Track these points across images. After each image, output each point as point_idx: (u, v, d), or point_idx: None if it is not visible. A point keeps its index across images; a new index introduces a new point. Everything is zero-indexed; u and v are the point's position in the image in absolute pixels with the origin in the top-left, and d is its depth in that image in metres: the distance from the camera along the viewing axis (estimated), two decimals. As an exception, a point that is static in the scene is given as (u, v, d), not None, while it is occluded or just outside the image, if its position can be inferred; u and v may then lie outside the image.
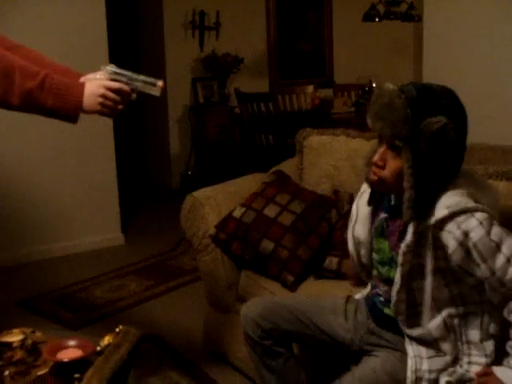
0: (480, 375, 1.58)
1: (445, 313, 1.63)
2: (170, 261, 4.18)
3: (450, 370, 1.63)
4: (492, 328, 1.62)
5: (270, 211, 2.47)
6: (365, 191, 1.83)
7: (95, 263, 4.12)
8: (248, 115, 5.47)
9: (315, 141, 2.80)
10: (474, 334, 1.63)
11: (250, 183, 2.71)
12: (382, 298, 1.79)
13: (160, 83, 1.96)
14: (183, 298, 3.50)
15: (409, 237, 1.59)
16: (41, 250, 4.15)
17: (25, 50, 2.04)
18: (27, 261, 4.04)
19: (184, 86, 6.33)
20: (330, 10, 7.06)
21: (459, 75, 3.51)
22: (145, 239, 4.67)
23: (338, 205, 2.47)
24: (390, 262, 1.72)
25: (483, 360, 1.63)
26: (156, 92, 1.96)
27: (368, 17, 6.15)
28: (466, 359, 1.65)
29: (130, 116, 6.75)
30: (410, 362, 1.66)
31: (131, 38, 6.75)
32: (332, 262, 2.31)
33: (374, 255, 1.80)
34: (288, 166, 2.89)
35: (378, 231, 1.77)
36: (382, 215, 1.76)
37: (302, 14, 7.00)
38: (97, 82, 1.91)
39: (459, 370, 1.63)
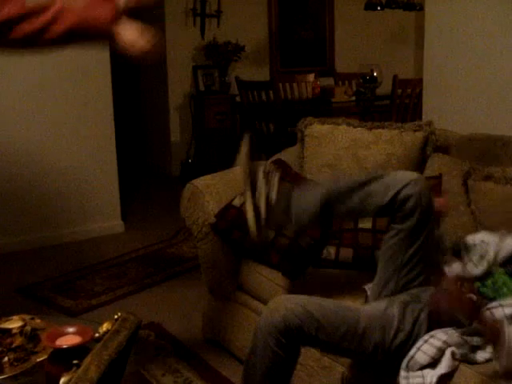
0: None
1: None
2: (169, 249, 4.18)
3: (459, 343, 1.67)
4: None
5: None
6: None
7: (95, 250, 4.12)
8: (249, 103, 5.46)
9: (316, 130, 2.79)
10: None
11: (250, 171, 2.70)
12: None
13: None
14: (183, 286, 3.51)
15: None
16: (41, 237, 4.15)
17: None
18: (27, 248, 4.05)
19: (185, 73, 6.32)
20: (332, -2, 7.04)
21: (460, 64, 3.50)
22: (145, 227, 4.67)
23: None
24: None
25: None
26: None
27: (370, 5, 6.13)
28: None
29: (131, 103, 6.74)
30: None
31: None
32: (330, 251, 2.31)
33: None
34: (289, 155, 2.89)
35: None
36: None
37: (304, 2, 6.97)
38: None
39: (466, 346, 1.67)
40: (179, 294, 3.39)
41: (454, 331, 1.69)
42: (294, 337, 1.67)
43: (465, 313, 1.63)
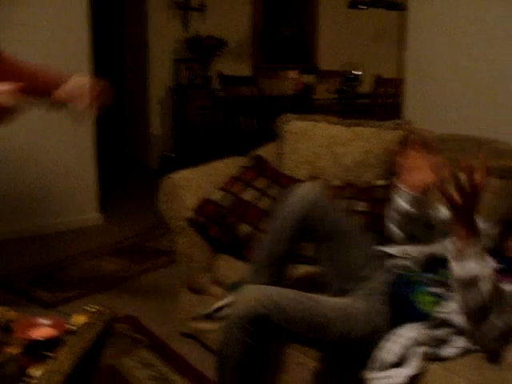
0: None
1: None
2: (148, 242, 4.17)
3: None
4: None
5: (249, 195, 2.48)
6: None
7: (73, 242, 4.10)
8: (231, 98, 5.46)
9: (296, 126, 2.81)
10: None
11: (229, 167, 2.71)
12: (428, 288, 1.80)
13: None
14: (160, 280, 3.50)
15: None
16: (18, 228, 4.12)
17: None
18: (2, 239, 4.01)
19: (167, 66, 6.30)
20: (316, -5, 7.05)
21: (441, 65, 3.52)
22: (123, 219, 4.66)
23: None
24: None
25: (461, 344, 1.68)
26: None
27: (353, 4, 6.15)
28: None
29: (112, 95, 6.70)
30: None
31: (114, 16, 6.68)
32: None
33: None
34: (268, 151, 2.90)
35: None
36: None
37: (288, -2, 6.98)
38: None
39: (433, 342, 1.68)
40: (156, 287, 3.39)
41: (419, 326, 1.70)
42: (263, 327, 1.68)
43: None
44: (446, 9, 3.47)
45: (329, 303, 1.79)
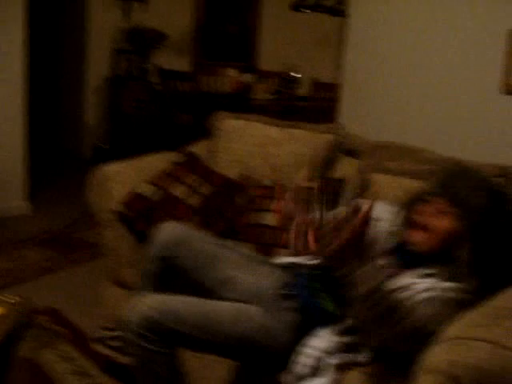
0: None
1: None
2: (75, 233, 4.10)
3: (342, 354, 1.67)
4: None
5: (179, 191, 2.47)
6: None
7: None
8: (168, 93, 5.43)
9: (230, 125, 2.81)
10: None
11: (160, 161, 2.69)
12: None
13: None
14: (86, 272, 3.45)
15: None
16: None
17: None
18: None
19: (105, 56, 6.20)
20: (260, -5, 7.08)
21: (378, 73, 3.59)
22: (52, 210, 4.56)
23: (245, 190, 2.49)
24: None
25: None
26: None
27: (296, 7, 6.20)
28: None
29: (45, 80, 6.55)
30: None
31: (52, 2, 6.53)
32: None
33: None
34: (201, 148, 2.89)
35: None
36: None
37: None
38: None
39: (344, 348, 1.68)
40: (82, 280, 3.34)
41: (327, 332, 1.70)
42: (158, 333, 1.70)
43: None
44: (385, 17, 3.55)
45: (221, 306, 1.81)
